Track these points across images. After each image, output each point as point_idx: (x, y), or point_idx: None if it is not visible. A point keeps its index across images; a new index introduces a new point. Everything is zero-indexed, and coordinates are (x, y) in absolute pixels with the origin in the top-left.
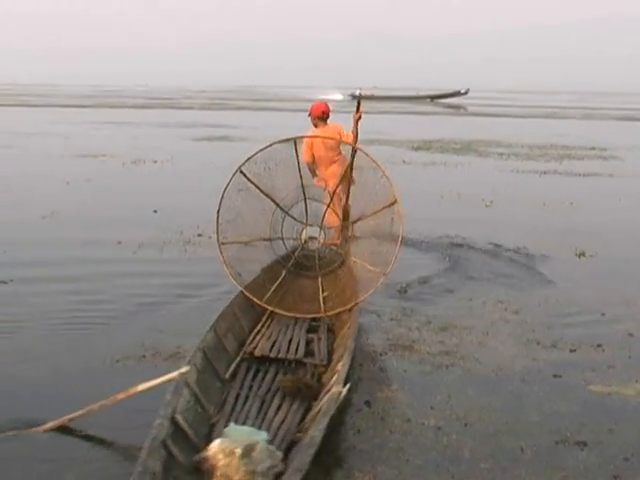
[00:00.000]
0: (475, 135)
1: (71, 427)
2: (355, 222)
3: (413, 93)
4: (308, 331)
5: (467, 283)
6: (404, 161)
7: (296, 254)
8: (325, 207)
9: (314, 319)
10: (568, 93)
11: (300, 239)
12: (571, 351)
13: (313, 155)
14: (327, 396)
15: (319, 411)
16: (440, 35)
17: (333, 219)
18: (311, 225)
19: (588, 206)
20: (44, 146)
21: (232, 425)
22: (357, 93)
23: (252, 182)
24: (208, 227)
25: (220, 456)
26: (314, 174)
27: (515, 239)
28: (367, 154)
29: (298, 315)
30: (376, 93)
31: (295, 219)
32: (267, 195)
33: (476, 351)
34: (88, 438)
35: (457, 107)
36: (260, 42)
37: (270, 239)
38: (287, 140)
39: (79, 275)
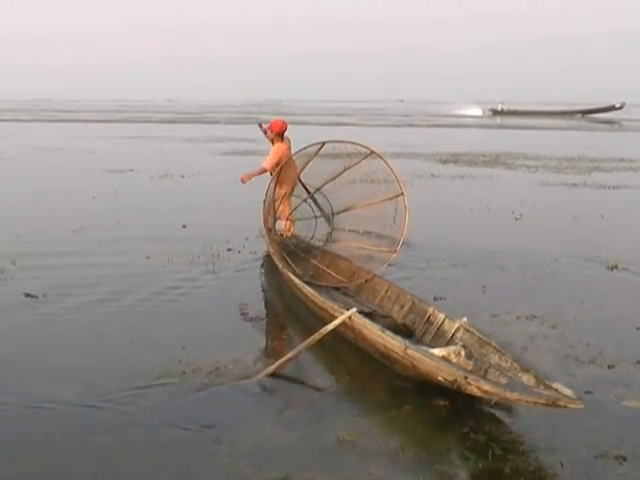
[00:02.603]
0: (503, 147)
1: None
2: (340, 212)
3: (562, 108)
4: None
5: (500, 298)
6: (432, 174)
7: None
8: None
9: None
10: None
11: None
12: (609, 367)
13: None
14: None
15: None
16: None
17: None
18: (278, 218)
19: (619, 219)
20: (72, 161)
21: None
22: (499, 108)
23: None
24: (237, 241)
25: (452, 355)
26: (255, 175)
27: (547, 252)
28: (380, 156)
29: (330, 285)
30: (519, 108)
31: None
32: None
33: None
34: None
35: (610, 122)
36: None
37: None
38: (319, 143)
39: (109, 290)
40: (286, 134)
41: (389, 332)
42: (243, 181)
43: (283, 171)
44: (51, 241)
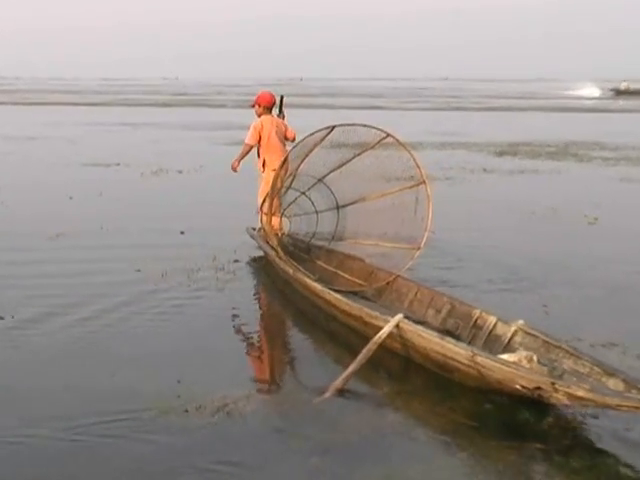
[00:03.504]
0: (572, 135)
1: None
2: (347, 205)
3: None
4: None
5: (567, 320)
6: (485, 169)
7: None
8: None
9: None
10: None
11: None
12: None
13: (260, 139)
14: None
15: None
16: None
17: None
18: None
19: None
20: (47, 153)
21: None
22: (622, 87)
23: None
24: (246, 250)
25: (524, 362)
26: (241, 157)
27: (627, 263)
28: (397, 140)
29: (344, 289)
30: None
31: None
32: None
33: None
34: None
35: None
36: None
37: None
38: (327, 128)
39: (89, 312)
40: (286, 118)
41: (450, 338)
42: (234, 168)
43: (267, 150)
44: (21, 250)
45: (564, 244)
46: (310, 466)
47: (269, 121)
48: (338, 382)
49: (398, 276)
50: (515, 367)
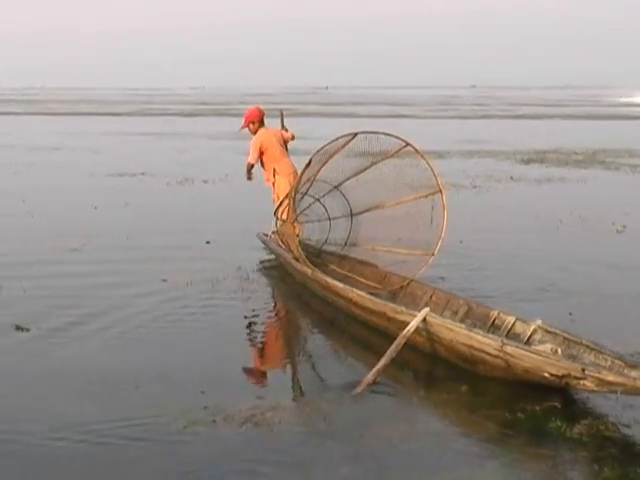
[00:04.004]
0: (600, 143)
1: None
2: (361, 213)
3: None
4: None
5: (594, 330)
6: (512, 177)
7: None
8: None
9: None
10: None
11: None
12: None
13: (262, 154)
14: None
15: None
16: None
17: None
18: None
19: None
20: (71, 163)
21: None
22: None
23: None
24: (270, 260)
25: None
26: (250, 174)
27: None
28: (415, 149)
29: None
30: None
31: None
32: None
33: None
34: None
35: None
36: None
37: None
38: (351, 134)
39: (112, 323)
40: (289, 132)
41: (478, 329)
42: (249, 179)
43: (275, 159)
44: (45, 262)
45: (592, 252)
46: (339, 477)
47: (266, 133)
48: (370, 376)
49: (412, 280)
50: (545, 355)
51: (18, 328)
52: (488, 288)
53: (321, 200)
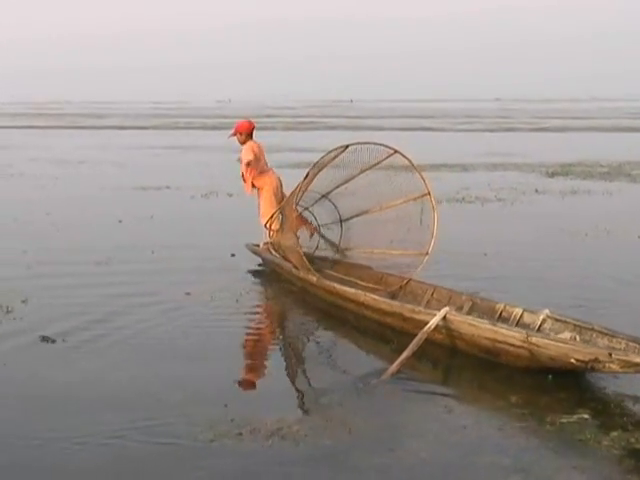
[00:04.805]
0: (625, 155)
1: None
2: (350, 218)
3: None
4: None
5: None
6: (536, 190)
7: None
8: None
9: None
10: None
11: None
12: None
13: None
14: None
15: None
16: None
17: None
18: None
19: None
20: (96, 176)
21: None
22: None
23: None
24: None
25: None
26: (251, 181)
27: None
28: (405, 156)
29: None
30: None
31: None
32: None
33: None
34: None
35: None
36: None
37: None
38: (342, 146)
39: (135, 334)
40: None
41: (501, 324)
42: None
43: (261, 173)
44: (69, 275)
45: (618, 266)
46: None
47: (256, 144)
48: (394, 367)
49: (410, 279)
50: (572, 343)
51: (44, 339)
52: (513, 300)
53: (310, 209)
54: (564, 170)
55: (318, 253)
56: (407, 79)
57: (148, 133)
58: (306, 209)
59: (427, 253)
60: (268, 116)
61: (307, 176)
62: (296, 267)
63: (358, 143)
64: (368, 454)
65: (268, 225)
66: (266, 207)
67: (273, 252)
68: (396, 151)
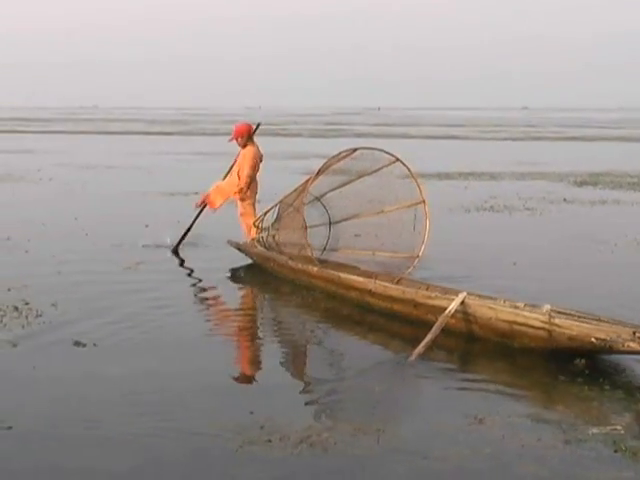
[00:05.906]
0: None
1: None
2: (340, 221)
3: None
4: None
5: None
6: (565, 199)
7: None
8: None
9: None
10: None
11: None
12: None
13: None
14: None
15: None
16: None
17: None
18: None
19: None
20: (124, 182)
21: None
22: None
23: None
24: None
25: None
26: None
27: None
28: (405, 164)
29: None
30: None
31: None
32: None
33: None
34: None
35: None
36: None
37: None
38: (352, 149)
39: (168, 334)
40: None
41: (522, 305)
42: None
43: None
44: (99, 281)
45: None
46: None
47: (258, 152)
48: (420, 348)
49: (402, 278)
50: (596, 322)
51: (77, 343)
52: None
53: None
54: (592, 180)
55: (304, 252)
56: (434, 88)
57: (175, 139)
58: (296, 210)
59: (418, 256)
60: (295, 123)
61: (317, 173)
62: (292, 259)
63: (364, 148)
64: (399, 464)
65: (257, 223)
66: (251, 208)
67: (259, 247)
68: (397, 159)
